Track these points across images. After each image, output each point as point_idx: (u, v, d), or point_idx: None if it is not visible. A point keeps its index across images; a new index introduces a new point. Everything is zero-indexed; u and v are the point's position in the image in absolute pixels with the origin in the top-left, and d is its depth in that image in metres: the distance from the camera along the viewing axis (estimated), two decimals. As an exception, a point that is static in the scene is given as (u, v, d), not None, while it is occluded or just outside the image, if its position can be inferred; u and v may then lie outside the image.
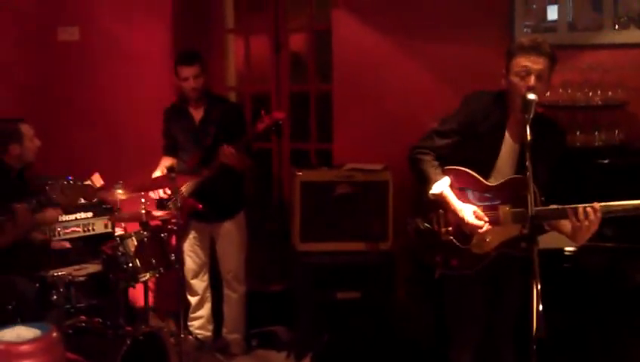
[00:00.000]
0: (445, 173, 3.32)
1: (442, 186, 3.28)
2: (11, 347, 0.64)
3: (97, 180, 3.83)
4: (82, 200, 4.26)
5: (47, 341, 0.67)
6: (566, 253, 3.98)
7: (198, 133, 4.75)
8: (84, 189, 3.77)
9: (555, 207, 3.15)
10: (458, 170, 3.34)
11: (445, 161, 3.36)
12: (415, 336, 4.64)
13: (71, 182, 3.70)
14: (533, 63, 3.16)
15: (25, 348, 0.66)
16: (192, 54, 4.78)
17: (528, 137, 2.94)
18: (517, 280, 3.30)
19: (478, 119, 3.31)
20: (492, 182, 3.32)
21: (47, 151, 4.55)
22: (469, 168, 3.33)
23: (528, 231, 2.85)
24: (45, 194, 3.72)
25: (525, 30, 4.66)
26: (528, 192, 2.87)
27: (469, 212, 3.26)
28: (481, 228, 3.24)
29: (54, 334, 0.68)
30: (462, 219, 3.26)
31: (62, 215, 4.49)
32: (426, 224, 3.39)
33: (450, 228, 3.34)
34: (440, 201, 3.32)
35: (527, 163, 2.89)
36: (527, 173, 2.88)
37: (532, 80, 3.15)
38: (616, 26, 4.48)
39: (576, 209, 3.07)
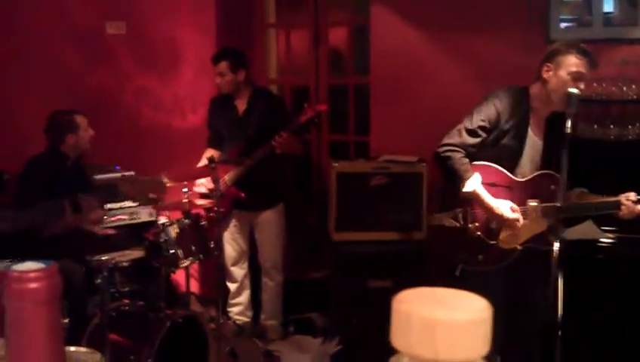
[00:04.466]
0: (474, 169, 3.33)
1: (475, 184, 3.28)
2: (23, 274, 0.88)
3: (166, 179, 4.02)
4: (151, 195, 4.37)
5: (48, 271, 0.91)
6: (600, 244, 3.98)
7: (241, 124, 4.82)
8: (154, 184, 3.88)
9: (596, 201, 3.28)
10: (486, 165, 3.36)
11: (472, 157, 3.37)
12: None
13: (139, 177, 3.79)
14: (587, 71, 3.25)
15: (32, 275, 0.90)
16: (220, 52, 4.83)
17: (568, 130, 2.99)
18: (542, 275, 3.32)
19: (504, 116, 3.34)
20: (518, 178, 3.36)
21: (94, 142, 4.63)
22: (494, 164, 3.36)
23: (555, 224, 2.96)
24: (112, 187, 3.78)
25: (562, 25, 4.68)
26: (562, 185, 2.97)
27: (506, 207, 3.28)
28: (518, 221, 3.27)
29: (54, 267, 0.92)
30: (499, 215, 3.27)
31: (105, 217, 4.65)
32: (452, 221, 3.40)
33: (478, 224, 3.36)
34: (471, 198, 3.33)
35: (563, 157, 2.95)
36: (563, 167, 2.95)
37: (582, 85, 3.23)
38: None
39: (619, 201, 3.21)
